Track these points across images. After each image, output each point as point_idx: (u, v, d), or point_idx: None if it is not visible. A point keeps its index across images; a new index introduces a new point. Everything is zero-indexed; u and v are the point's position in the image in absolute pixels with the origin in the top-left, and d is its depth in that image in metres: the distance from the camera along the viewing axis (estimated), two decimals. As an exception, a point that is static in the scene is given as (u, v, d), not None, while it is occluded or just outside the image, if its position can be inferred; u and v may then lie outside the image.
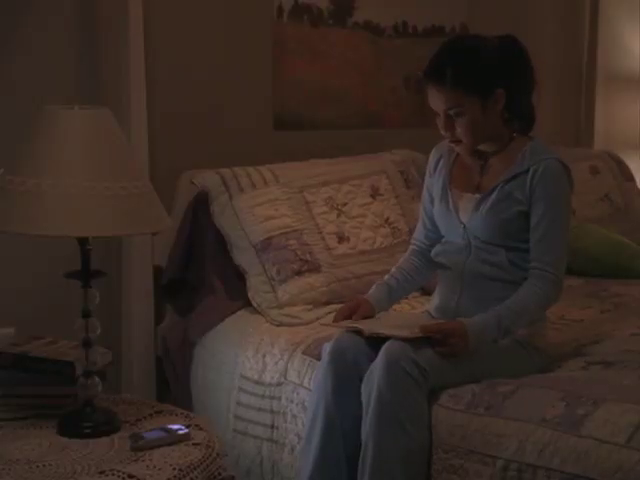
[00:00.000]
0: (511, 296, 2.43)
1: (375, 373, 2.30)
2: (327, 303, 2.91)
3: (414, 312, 2.87)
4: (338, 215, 3.13)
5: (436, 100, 2.49)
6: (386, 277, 2.69)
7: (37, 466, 2.07)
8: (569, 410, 2.18)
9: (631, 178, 4.13)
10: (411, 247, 2.75)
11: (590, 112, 4.50)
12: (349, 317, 2.54)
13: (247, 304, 2.98)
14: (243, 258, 3.01)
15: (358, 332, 2.42)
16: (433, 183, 2.66)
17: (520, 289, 2.45)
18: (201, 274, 3.09)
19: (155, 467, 2.07)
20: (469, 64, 2.47)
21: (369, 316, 2.55)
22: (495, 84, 2.47)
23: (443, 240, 2.63)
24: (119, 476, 2.00)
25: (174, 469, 2.07)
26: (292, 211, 3.06)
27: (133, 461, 2.09)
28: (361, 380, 2.36)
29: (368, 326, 2.44)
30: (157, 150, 3.12)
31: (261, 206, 3.04)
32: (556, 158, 2.49)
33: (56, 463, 2.08)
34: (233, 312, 2.99)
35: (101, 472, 2.03)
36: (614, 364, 2.48)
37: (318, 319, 2.86)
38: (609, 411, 2.14)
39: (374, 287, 2.66)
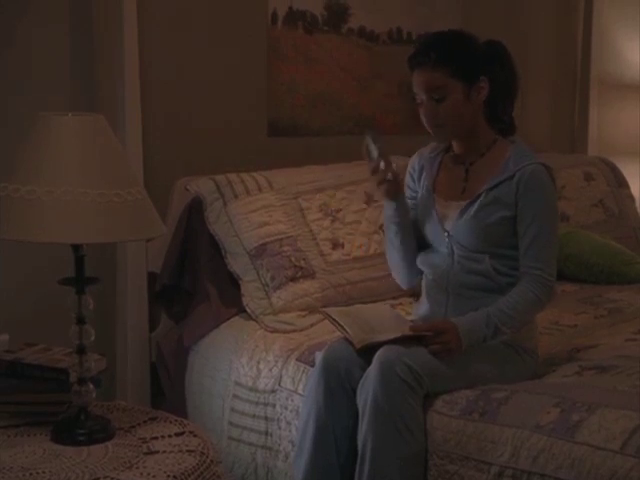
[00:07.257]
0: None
1: (370, 379, 2.30)
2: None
3: (394, 310, 2.78)
4: (332, 221, 3.12)
5: (419, 83, 2.48)
6: None
7: (31, 474, 2.06)
8: (564, 416, 2.17)
9: (625, 184, 4.13)
10: None
11: (584, 118, 4.50)
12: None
13: (241, 310, 2.98)
14: (237, 264, 3.01)
15: (350, 343, 2.40)
16: (417, 190, 2.64)
17: (512, 291, 2.45)
18: (195, 280, 3.09)
19: (149, 474, 2.06)
20: (454, 46, 2.48)
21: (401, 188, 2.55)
22: (479, 71, 2.47)
23: (427, 250, 2.60)
24: (113, 483, 2.00)
25: (168, 476, 2.06)
26: (286, 217, 3.06)
27: (127, 468, 2.09)
28: (353, 388, 2.35)
29: (356, 331, 2.41)
30: (152, 157, 3.12)
31: (255, 212, 3.03)
32: (540, 162, 2.49)
33: (50, 471, 2.08)
34: (227, 318, 2.98)
35: (95, 479, 2.02)
36: (608, 369, 2.48)
37: (312, 325, 2.85)
38: (604, 417, 2.14)
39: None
